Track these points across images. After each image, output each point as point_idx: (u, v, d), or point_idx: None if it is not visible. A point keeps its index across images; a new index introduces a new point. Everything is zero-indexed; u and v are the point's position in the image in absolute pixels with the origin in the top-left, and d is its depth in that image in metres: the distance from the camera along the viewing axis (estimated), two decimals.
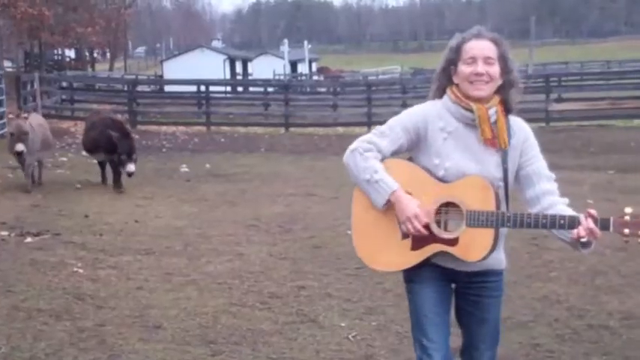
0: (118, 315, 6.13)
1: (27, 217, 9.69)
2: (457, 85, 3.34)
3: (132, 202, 11.25)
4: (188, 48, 64.32)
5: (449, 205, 3.23)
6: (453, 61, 3.36)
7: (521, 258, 7.95)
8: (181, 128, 24.60)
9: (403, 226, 3.24)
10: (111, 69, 54.65)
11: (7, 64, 50.99)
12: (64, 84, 28.97)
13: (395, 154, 3.38)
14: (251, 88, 37.44)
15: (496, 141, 3.27)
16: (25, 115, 11.85)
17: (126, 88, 27.58)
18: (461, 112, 3.31)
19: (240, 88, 36.59)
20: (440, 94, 3.44)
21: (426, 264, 3.31)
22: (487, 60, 3.28)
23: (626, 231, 3.02)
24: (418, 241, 3.26)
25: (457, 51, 3.35)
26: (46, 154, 12.96)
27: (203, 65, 47.80)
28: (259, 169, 15.20)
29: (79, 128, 23.98)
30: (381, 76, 54.04)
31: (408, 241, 3.28)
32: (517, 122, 3.39)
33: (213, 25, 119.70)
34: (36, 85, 23.17)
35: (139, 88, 32.28)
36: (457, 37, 3.41)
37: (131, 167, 11.75)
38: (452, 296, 3.48)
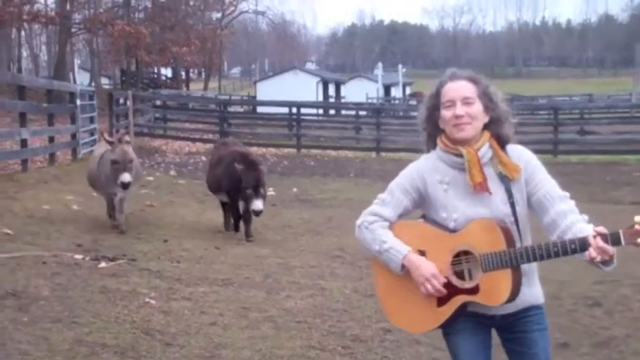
0: (187, 355, 5.65)
1: (104, 239, 9.34)
2: (445, 132, 3.33)
3: (214, 227, 10.84)
4: (282, 70, 64.62)
5: (466, 254, 3.20)
6: (435, 107, 3.34)
7: (633, 308, 7.22)
8: (271, 150, 24.34)
9: (422, 288, 3.24)
10: (205, 89, 55.24)
11: (104, 81, 52.30)
12: (158, 102, 29.13)
13: (402, 217, 3.40)
14: (343, 112, 37.06)
15: (486, 183, 3.22)
16: (127, 138, 10.21)
17: (218, 109, 27.46)
18: (453, 159, 3.29)
19: (332, 111, 36.25)
20: (432, 144, 3.41)
21: (460, 315, 3.28)
22: (465, 100, 3.25)
23: (639, 240, 2.92)
24: (442, 297, 3.26)
25: (437, 96, 3.34)
26: (136, 188, 11.69)
27: (296, 87, 47.88)
28: (348, 195, 14.68)
29: (169, 147, 24.03)
30: None
31: (434, 299, 3.27)
32: (515, 150, 3.34)
33: (308, 47, 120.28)
34: (129, 103, 23.25)
35: (232, 108, 32.37)
36: (435, 82, 3.40)
37: (258, 204, 9.78)
38: (490, 344, 3.41)
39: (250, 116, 32.25)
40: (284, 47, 71.01)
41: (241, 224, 10.60)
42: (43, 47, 55.91)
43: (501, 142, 3.33)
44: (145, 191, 13.94)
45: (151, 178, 15.74)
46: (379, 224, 3.39)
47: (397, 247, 3.30)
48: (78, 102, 17.86)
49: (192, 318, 6.53)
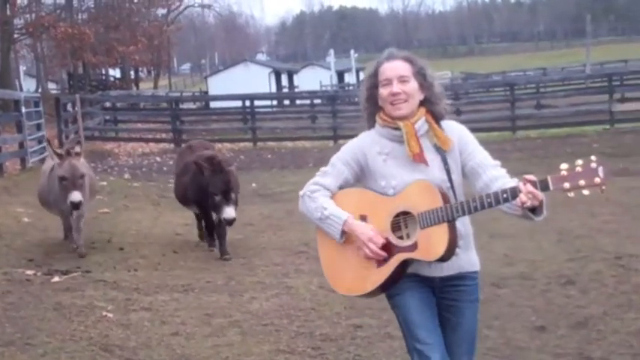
0: None
1: (57, 252, 8.92)
2: (383, 109, 3.53)
3: (172, 230, 10.47)
4: (233, 63, 63.99)
5: (405, 215, 3.38)
6: (374, 86, 3.54)
7: (607, 283, 7.04)
8: (227, 145, 23.92)
9: (362, 252, 3.39)
10: (155, 87, 54.52)
11: (51, 86, 51.23)
12: (107, 104, 28.53)
13: (342, 188, 3.57)
14: (298, 101, 36.71)
15: (423, 154, 3.43)
16: (77, 148, 8.65)
17: (170, 107, 26.97)
18: (391, 132, 3.50)
19: (286, 102, 35.87)
20: (372, 122, 3.61)
21: (402, 276, 3.43)
22: (401, 79, 3.46)
23: (566, 185, 3.08)
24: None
25: (375, 75, 3.55)
26: (92, 203, 10.03)
27: (248, 79, 47.37)
28: None
29: (122, 150, 23.52)
30: None
31: (374, 261, 3.41)
32: (449, 125, 3.55)
33: (257, 38, 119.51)
34: (77, 107, 22.66)
35: (185, 105, 31.84)
36: (372, 63, 3.62)
37: (229, 212, 8.44)
38: (434, 305, 3.54)
39: (203, 112, 31.73)
40: (233, 40, 70.43)
41: None
42: None
43: (436, 118, 3.53)
44: (98, 197, 13.45)
45: (104, 183, 15.24)
46: (321, 193, 3.54)
47: (337, 214, 3.46)
48: (23, 109, 17.30)
49: (152, 329, 6.25)
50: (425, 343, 3.42)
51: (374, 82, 3.55)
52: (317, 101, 31.34)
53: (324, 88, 50.54)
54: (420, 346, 3.43)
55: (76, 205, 8.29)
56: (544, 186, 3.12)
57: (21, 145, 17.15)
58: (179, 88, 63.35)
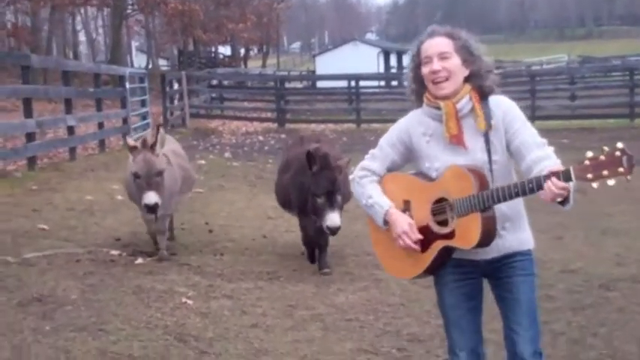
0: None
1: (144, 232, 8.77)
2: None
3: (264, 213, 10.17)
4: (342, 42, 63.63)
5: (445, 201, 3.35)
6: (418, 65, 3.48)
7: None
8: (330, 126, 23.63)
9: (397, 243, 3.44)
10: (264, 65, 54.69)
11: (162, 62, 52.10)
12: (214, 82, 28.63)
13: (391, 170, 3.60)
14: (406, 83, 36.01)
15: (462, 136, 3.38)
16: (159, 135, 7.20)
17: (275, 85, 26.85)
18: (434, 112, 3.45)
19: (394, 82, 35.18)
20: (420, 102, 3.54)
21: (448, 260, 3.46)
22: (442, 55, 3.38)
23: (589, 175, 2.97)
24: (425, 243, 3.43)
25: (418, 54, 3.48)
26: (184, 199, 8.75)
27: (356, 59, 46.88)
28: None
29: (226, 128, 23.53)
30: (545, 66, 50.76)
31: (418, 246, 3.44)
32: (495, 101, 3.45)
33: (368, 17, 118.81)
34: (183, 84, 22.76)
35: (291, 84, 31.71)
36: (415, 42, 3.52)
37: (333, 218, 6.97)
38: (479, 292, 3.58)
39: (309, 92, 31.53)
40: (343, 18, 70.01)
41: None
42: (101, 31, 56.03)
43: (483, 94, 3.44)
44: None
45: (203, 162, 15.16)
46: (368, 179, 3.58)
47: (380, 202, 3.49)
48: (127, 85, 17.39)
49: (231, 319, 5.96)
50: (454, 341, 3.57)
51: (417, 62, 3.49)
52: None
53: None
54: (451, 342, 3.59)
55: (151, 209, 7.04)
56: (567, 177, 3.02)
57: (124, 120, 17.27)
58: (287, 67, 63.49)
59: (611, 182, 2.96)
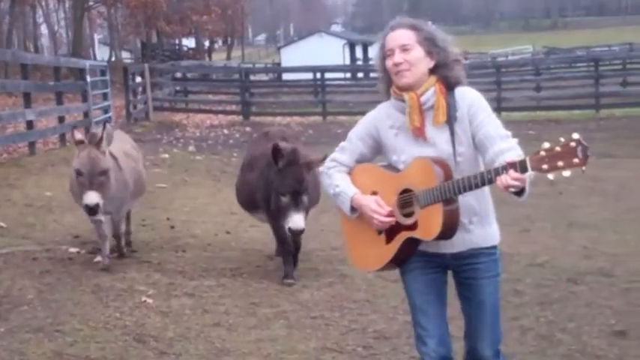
0: None
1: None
2: None
3: (228, 208, 9.98)
4: (307, 34, 63.41)
5: (410, 191, 3.36)
6: (383, 58, 3.48)
7: None
8: (296, 119, 23.47)
9: (372, 223, 3.43)
10: (228, 58, 54.25)
11: (125, 55, 51.47)
12: (178, 74, 28.31)
13: (360, 162, 3.60)
14: (372, 74, 35.98)
15: (424, 129, 3.39)
16: (106, 131, 6.54)
17: (240, 78, 26.60)
18: (401, 105, 3.44)
19: (360, 74, 35.09)
20: (388, 94, 3.54)
21: (413, 253, 3.45)
22: (403, 48, 3.39)
23: (545, 166, 2.96)
24: (390, 234, 3.44)
25: (382, 47, 3.48)
26: (136, 202, 7.97)
27: (321, 51, 46.63)
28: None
29: (190, 121, 23.26)
30: (510, 57, 51.00)
31: (383, 237, 3.47)
32: (461, 92, 3.43)
33: (334, 9, 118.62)
34: (146, 77, 22.43)
35: (257, 77, 31.46)
36: (380, 34, 3.54)
37: (297, 220, 6.46)
38: (444, 284, 3.57)
39: (274, 84, 31.30)
40: (309, 10, 69.79)
41: None
42: (63, 24, 55.23)
43: (449, 85, 3.42)
44: (157, 170, 13.12)
45: (166, 156, 14.91)
46: (336, 169, 3.60)
47: (346, 190, 3.50)
48: (88, 78, 17.07)
49: (193, 318, 5.83)
50: (424, 329, 3.52)
51: (382, 54, 3.49)
52: None
53: None
54: (419, 330, 3.55)
55: (92, 210, 6.32)
56: (523, 168, 3.00)
57: (86, 114, 16.95)
58: (252, 59, 63.16)
59: (566, 173, 2.93)
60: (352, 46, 56.31)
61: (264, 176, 6.83)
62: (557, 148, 2.93)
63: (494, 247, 3.50)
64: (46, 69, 21.56)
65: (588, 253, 7.51)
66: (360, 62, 55.49)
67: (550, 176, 2.96)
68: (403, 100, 3.41)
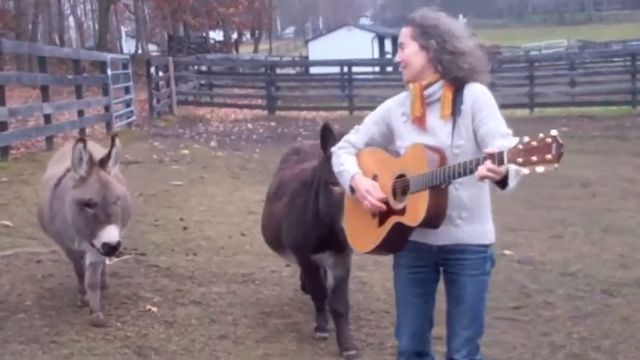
0: None
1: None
2: None
3: (245, 207, 9.61)
4: (335, 27, 62.90)
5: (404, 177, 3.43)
6: None
7: None
8: (322, 113, 23.05)
9: (363, 204, 3.51)
10: (255, 51, 53.90)
11: (152, 48, 51.31)
12: (203, 68, 28.00)
13: (369, 145, 3.68)
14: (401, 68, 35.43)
15: (424, 119, 3.48)
16: (113, 145, 5.20)
17: (266, 71, 26.23)
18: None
19: (389, 68, 34.57)
20: None
21: (404, 240, 3.50)
22: (400, 46, 3.56)
23: (520, 160, 2.95)
24: (382, 218, 3.50)
25: None
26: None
27: (350, 45, 46.01)
28: None
29: (214, 115, 22.97)
30: (544, 51, 50.12)
31: (377, 220, 3.52)
32: (469, 88, 3.48)
33: (363, 2, 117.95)
34: (170, 70, 22.13)
35: (283, 70, 31.08)
36: None
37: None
38: (432, 282, 3.63)
39: (300, 78, 30.88)
40: (338, 3, 69.31)
41: None
42: (90, 16, 55.16)
43: (457, 79, 3.47)
44: (175, 167, 12.78)
45: (186, 152, 14.57)
46: (345, 150, 3.71)
47: (349, 169, 3.62)
48: (109, 71, 16.80)
49: (198, 329, 5.49)
50: (400, 323, 3.70)
51: None
52: None
53: None
54: (397, 324, 3.74)
55: (113, 249, 4.99)
56: (500, 160, 3.01)
57: (106, 108, 16.71)
58: (280, 53, 62.73)
59: (539, 169, 2.91)
60: (381, 40, 55.63)
61: (294, 211, 5.19)
62: (534, 143, 2.93)
63: (484, 246, 3.52)
64: (70, 62, 21.40)
65: (625, 261, 7.06)
66: (389, 56, 54.91)
67: (525, 171, 2.94)
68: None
